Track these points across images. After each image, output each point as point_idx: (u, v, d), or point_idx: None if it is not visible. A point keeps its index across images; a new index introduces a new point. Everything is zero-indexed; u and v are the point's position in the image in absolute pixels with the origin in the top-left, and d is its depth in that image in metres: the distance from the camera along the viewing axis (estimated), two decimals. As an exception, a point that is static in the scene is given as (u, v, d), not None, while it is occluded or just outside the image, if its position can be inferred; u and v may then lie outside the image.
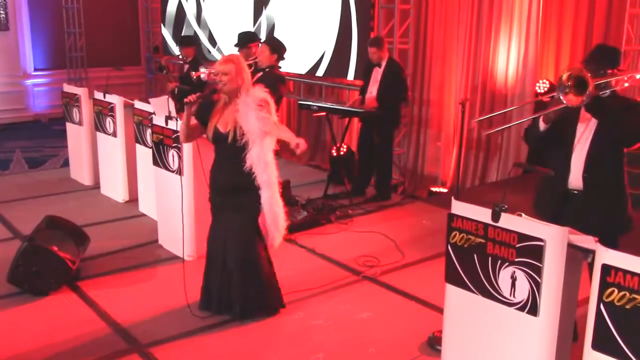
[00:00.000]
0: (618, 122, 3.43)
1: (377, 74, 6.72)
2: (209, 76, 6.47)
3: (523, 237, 2.93)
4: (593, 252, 2.78)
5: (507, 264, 3.00)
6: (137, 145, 6.21)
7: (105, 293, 4.65)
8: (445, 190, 7.24)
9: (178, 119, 5.18)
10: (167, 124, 5.22)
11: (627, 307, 2.56)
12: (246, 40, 6.59)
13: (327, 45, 8.15)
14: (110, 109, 6.59)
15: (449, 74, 7.41)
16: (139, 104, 6.15)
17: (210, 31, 10.07)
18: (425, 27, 7.50)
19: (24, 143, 9.51)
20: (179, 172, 5.10)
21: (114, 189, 6.82)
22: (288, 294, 4.53)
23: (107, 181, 6.96)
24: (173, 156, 5.18)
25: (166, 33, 11.12)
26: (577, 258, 2.96)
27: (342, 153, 7.23)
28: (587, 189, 3.57)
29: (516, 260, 2.96)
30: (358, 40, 7.73)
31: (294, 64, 8.17)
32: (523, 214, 3.02)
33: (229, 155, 4.04)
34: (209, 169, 4.24)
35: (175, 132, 5.11)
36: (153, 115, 5.52)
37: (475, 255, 3.13)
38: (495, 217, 3.02)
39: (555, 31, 7.00)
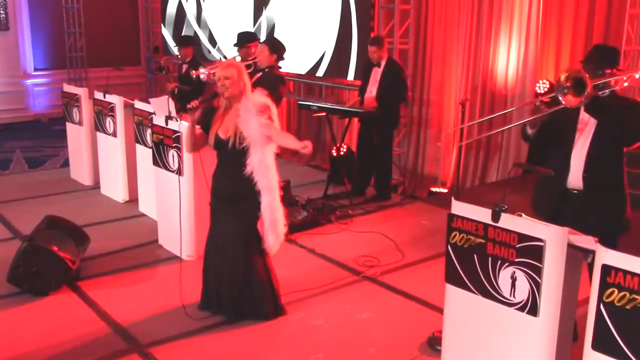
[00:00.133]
0: (618, 122, 3.44)
1: (376, 73, 6.72)
2: (208, 76, 6.48)
3: (523, 237, 2.93)
4: (593, 252, 2.78)
5: (507, 264, 3.00)
6: (137, 145, 6.21)
7: (105, 293, 4.65)
8: (445, 190, 7.24)
9: (178, 119, 5.19)
10: (167, 124, 5.22)
11: (627, 307, 2.56)
12: (245, 40, 6.60)
13: (327, 45, 8.15)
14: (110, 109, 6.59)
15: (449, 74, 7.41)
16: (139, 104, 6.15)
17: (210, 31, 10.07)
18: (425, 27, 7.50)
19: (24, 143, 9.51)
20: (179, 172, 5.09)
21: (114, 189, 6.82)
22: (288, 294, 4.53)
23: (107, 181, 6.96)
24: (173, 156, 5.18)
25: (166, 33, 11.12)
26: (577, 258, 2.97)
27: (342, 153, 7.23)
28: (587, 189, 3.57)
29: (516, 260, 2.96)
30: (358, 40, 7.73)
31: (294, 64, 8.17)
32: (523, 214, 3.03)
33: (230, 161, 4.04)
34: (209, 169, 4.25)
35: (176, 132, 5.11)
36: (153, 115, 5.52)
37: (475, 256, 3.13)
38: (495, 217, 3.02)
39: (555, 31, 7.00)
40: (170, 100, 5.34)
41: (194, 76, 6.79)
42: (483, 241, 3.09)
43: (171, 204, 5.16)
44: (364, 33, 7.61)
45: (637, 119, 3.44)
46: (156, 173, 5.48)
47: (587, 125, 3.58)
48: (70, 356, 3.86)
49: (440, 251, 4.27)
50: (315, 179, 7.57)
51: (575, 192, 3.62)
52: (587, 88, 3.23)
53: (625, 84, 3.60)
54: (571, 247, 2.88)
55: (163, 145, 5.28)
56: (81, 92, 7.18)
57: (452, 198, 3.27)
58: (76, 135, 7.38)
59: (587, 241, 2.86)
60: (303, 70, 8.48)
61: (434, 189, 7.27)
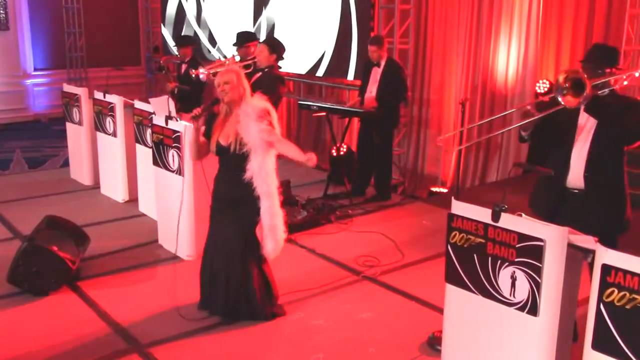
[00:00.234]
0: (618, 121, 3.44)
1: (376, 73, 6.72)
2: (208, 76, 6.48)
3: (523, 237, 2.93)
4: (593, 252, 2.78)
5: (507, 264, 3.00)
6: (137, 145, 6.21)
7: (105, 293, 4.65)
8: (445, 190, 7.24)
9: (178, 119, 5.19)
10: (167, 124, 5.22)
11: (627, 307, 2.56)
12: (244, 39, 6.61)
13: (327, 45, 8.15)
14: (110, 109, 6.59)
15: (449, 74, 7.41)
16: (139, 104, 6.15)
17: (210, 31, 10.07)
18: (425, 27, 7.50)
19: (24, 143, 9.51)
20: (179, 172, 5.10)
21: (114, 189, 6.82)
22: (288, 294, 4.54)
23: (107, 181, 6.96)
24: (173, 156, 5.17)
25: (166, 33, 11.13)
26: (577, 258, 2.97)
27: (342, 153, 7.23)
28: (588, 189, 3.57)
29: (516, 260, 2.96)
30: (358, 40, 7.73)
31: (294, 64, 8.17)
32: (523, 214, 3.03)
33: (231, 167, 4.05)
34: (209, 170, 4.26)
35: (176, 132, 5.11)
36: (153, 115, 5.52)
37: (475, 255, 3.13)
38: (495, 217, 3.02)
39: (555, 31, 7.00)
40: (170, 100, 5.35)
41: (194, 76, 6.80)
42: (483, 241, 3.09)
43: (171, 203, 5.17)
44: (364, 33, 7.61)
45: (637, 118, 3.43)
46: (156, 173, 5.48)
47: (587, 125, 3.58)
48: (70, 356, 3.86)
49: (440, 251, 4.27)
50: (315, 179, 7.56)
51: (576, 191, 3.61)
52: (585, 88, 3.23)
53: (625, 83, 3.60)
54: (571, 246, 2.88)
55: (163, 145, 5.27)
56: (81, 92, 7.17)
57: (452, 198, 3.27)
58: (76, 135, 7.38)
59: (587, 241, 2.86)
60: (303, 70, 8.48)
61: (434, 189, 7.27)
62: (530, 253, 2.91)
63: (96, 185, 7.15)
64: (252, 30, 8.95)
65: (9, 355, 3.83)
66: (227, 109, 4.07)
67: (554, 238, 2.86)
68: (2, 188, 7.21)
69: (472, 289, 3.17)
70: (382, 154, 6.87)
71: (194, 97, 7.62)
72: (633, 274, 2.53)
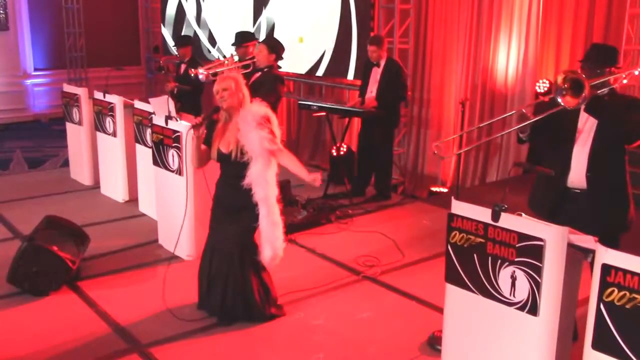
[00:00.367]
0: (618, 120, 3.43)
1: (376, 73, 6.72)
2: (207, 76, 6.48)
3: (523, 237, 2.93)
4: (593, 252, 2.78)
5: (507, 263, 3.00)
6: (137, 145, 6.21)
7: (105, 293, 4.65)
8: (445, 190, 7.24)
9: (178, 119, 5.19)
10: (167, 124, 5.22)
11: (627, 306, 2.56)
12: (242, 39, 6.62)
13: (327, 45, 8.15)
14: (110, 109, 6.59)
15: (449, 74, 7.40)
16: (138, 104, 6.15)
17: (210, 31, 10.07)
18: (425, 27, 7.50)
19: (24, 143, 9.51)
20: (179, 172, 5.10)
21: (114, 188, 6.82)
22: (288, 294, 4.54)
23: (107, 181, 6.96)
24: (173, 156, 5.18)
25: (166, 33, 11.13)
26: (577, 258, 2.97)
27: (342, 153, 7.23)
28: (590, 189, 3.57)
29: (516, 260, 2.96)
30: (358, 40, 7.73)
31: (293, 64, 8.17)
32: (523, 214, 3.03)
33: (232, 174, 4.05)
34: (209, 170, 4.26)
35: (175, 132, 5.11)
36: (153, 115, 5.52)
37: (475, 255, 3.13)
38: (495, 217, 3.02)
39: (555, 31, 7.00)
40: (170, 100, 5.35)
41: (193, 75, 6.80)
42: (483, 241, 3.09)
43: (171, 203, 5.17)
44: (364, 33, 7.61)
45: (638, 117, 3.43)
46: (156, 173, 5.48)
47: (587, 125, 3.58)
48: (70, 356, 3.86)
49: (440, 251, 4.27)
50: (315, 179, 7.56)
51: (578, 191, 3.61)
52: (584, 89, 3.23)
53: (625, 82, 3.60)
54: (571, 246, 2.88)
55: (163, 145, 5.27)
56: (81, 92, 7.18)
57: (452, 198, 3.27)
58: (76, 135, 7.38)
59: (587, 241, 2.86)
60: (303, 70, 8.48)
61: (434, 189, 7.27)
62: (530, 253, 2.91)
63: (96, 185, 7.15)
64: (252, 30, 8.95)
65: (9, 355, 3.83)
66: (227, 115, 4.07)
67: (554, 238, 2.85)
68: (2, 188, 7.21)
69: (472, 288, 3.17)
70: (382, 154, 6.87)
71: (193, 97, 7.63)
72: (633, 273, 2.53)
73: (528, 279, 2.93)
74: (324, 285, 4.79)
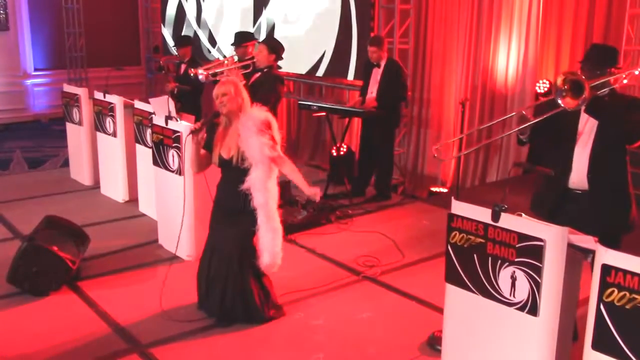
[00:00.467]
0: (618, 121, 3.43)
1: (376, 74, 6.72)
2: (206, 76, 6.48)
3: (523, 237, 2.93)
4: (593, 252, 2.78)
5: (507, 264, 3.00)
6: (137, 145, 6.21)
7: (105, 293, 4.65)
8: (445, 190, 7.24)
9: (178, 119, 5.19)
10: (167, 124, 5.22)
11: (627, 307, 2.56)
12: (242, 39, 6.62)
13: (327, 45, 8.15)
14: (110, 109, 6.59)
15: (449, 74, 7.40)
16: (139, 104, 6.15)
17: (210, 31, 10.07)
18: (425, 27, 7.50)
19: (24, 143, 9.51)
20: (179, 172, 5.10)
21: (114, 189, 6.82)
22: (288, 294, 4.54)
23: (107, 181, 6.96)
24: (173, 156, 5.18)
25: (166, 33, 11.12)
26: (577, 258, 2.97)
27: (342, 153, 7.23)
28: (592, 189, 3.57)
29: (516, 260, 2.96)
30: (358, 40, 7.73)
31: (294, 64, 8.17)
32: (523, 214, 3.03)
33: (233, 179, 4.04)
34: (209, 171, 4.26)
35: (175, 132, 5.11)
36: (153, 115, 5.52)
37: (475, 255, 3.13)
38: (495, 217, 3.02)
39: (555, 31, 7.00)
40: (170, 100, 5.35)
41: (192, 75, 6.80)
42: (483, 241, 3.09)
43: (171, 203, 5.17)
44: (364, 33, 7.61)
45: (638, 117, 3.43)
46: (156, 173, 5.48)
47: (588, 126, 3.58)
48: (70, 356, 3.86)
49: (440, 251, 4.27)
50: (315, 178, 7.56)
51: (579, 192, 3.61)
52: (584, 90, 3.23)
53: (625, 82, 3.59)
54: (571, 247, 2.88)
55: (163, 145, 5.28)
56: (81, 92, 7.18)
57: (452, 198, 3.27)
58: (76, 135, 7.38)
59: (587, 241, 2.86)
60: (303, 70, 8.48)
61: (434, 189, 7.26)
62: (530, 253, 2.91)
63: (96, 185, 7.15)
64: (252, 30, 8.95)
65: (9, 355, 3.83)
66: (227, 120, 4.07)
67: (554, 238, 2.85)
68: (2, 188, 7.21)
69: (472, 289, 3.17)
70: (383, 154, 6.87)
71: (193, 97, 7.63)
72: (633, 274, 2.53)
73: (528, 279, 2.93)
74: (324, 285, 4.79)
